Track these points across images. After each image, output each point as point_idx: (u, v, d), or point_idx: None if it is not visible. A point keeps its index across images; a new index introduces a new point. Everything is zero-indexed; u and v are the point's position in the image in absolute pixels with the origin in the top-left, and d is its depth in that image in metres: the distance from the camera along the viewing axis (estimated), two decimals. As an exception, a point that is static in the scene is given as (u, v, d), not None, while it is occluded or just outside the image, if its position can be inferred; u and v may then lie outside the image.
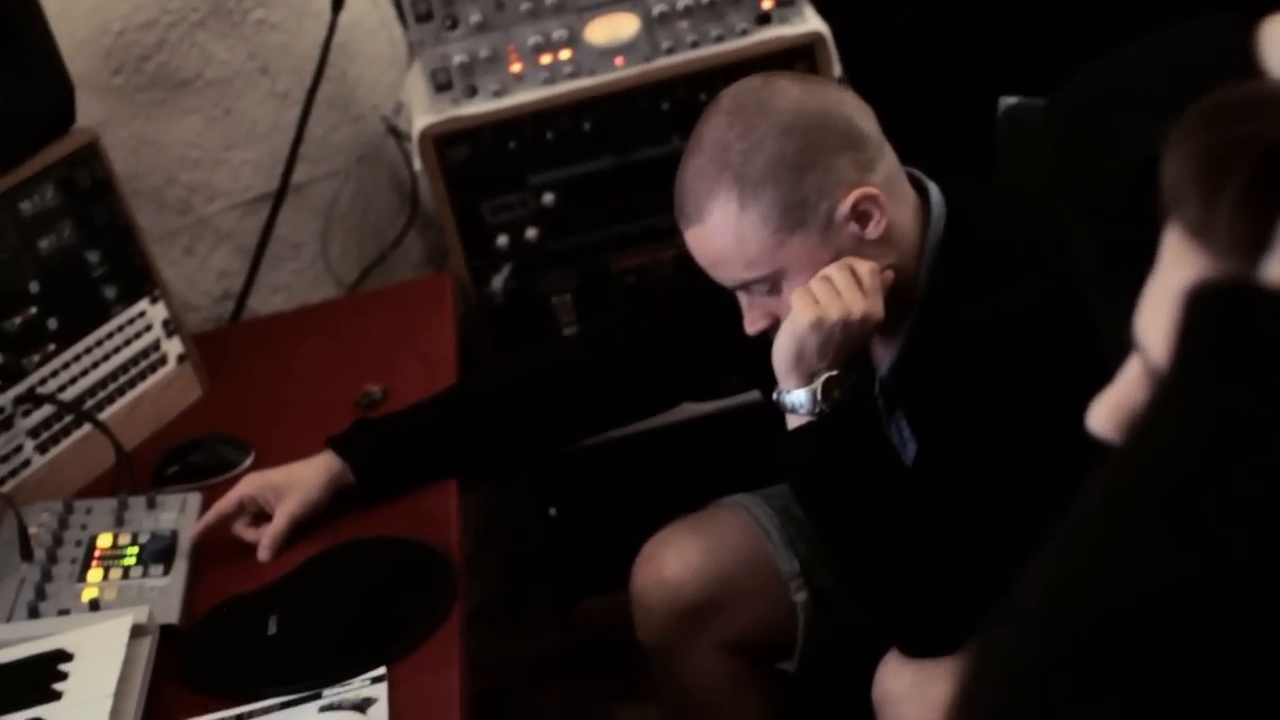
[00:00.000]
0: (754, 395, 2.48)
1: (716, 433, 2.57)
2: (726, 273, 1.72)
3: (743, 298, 1.74)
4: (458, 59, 2.37)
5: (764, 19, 2.40)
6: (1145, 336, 0.83)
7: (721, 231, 1.67)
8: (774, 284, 1.70)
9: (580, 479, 2.60)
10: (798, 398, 1.72)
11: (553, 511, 2.62)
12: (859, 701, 1.84)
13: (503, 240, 2.46)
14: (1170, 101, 0.82)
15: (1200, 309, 0.68)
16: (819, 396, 1.71)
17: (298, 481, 1.91)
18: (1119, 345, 0.89)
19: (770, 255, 1.67)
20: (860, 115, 1.71)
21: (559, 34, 2.37)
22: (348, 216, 2.81)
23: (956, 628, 1.71)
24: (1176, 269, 0.79)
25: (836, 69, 2.43)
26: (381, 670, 1.63)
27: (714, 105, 1.72)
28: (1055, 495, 1.66)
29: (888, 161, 1.72)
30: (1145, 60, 1.38)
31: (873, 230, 1.68)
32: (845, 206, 1.66)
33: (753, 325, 1.75)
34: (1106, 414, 0.86)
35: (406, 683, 1.61)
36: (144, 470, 2.09)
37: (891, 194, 1.70)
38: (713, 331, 1.91)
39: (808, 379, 1.71)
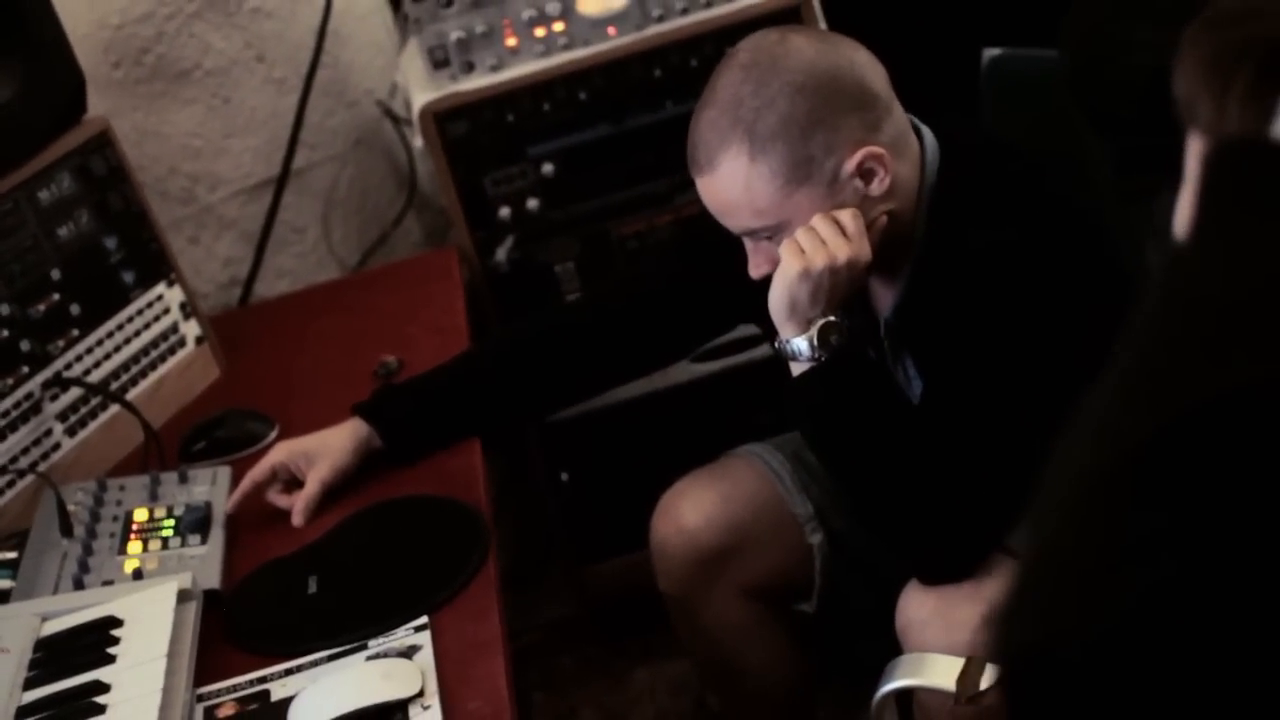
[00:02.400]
0: (755, 354, 2.56)
1: (721, 392, 2.63)
2: (734, 220, 1.78)
3: (748, 243, 1.80)
4: (454, 35, 2.42)
5: (750, -16, 2.46)
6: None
7: (731, 182, 1.73)
8: (778, 232, 1.76)
9: (590, 443, 2.65)
10: (797, 345, 1.78)
11: (565, 476, 2.68)
12: (876, 637, 1.90)
13: (505, 212, 2.51)
14: (1176, 11, 0.89)
15: (1224, 160, 0.74)
16: (816, 343, 1.77)
17: (328, 448, 1.97)
18: (1135, 248, 0.96)
19: (777, 207, 1.73)
20: (871, 74, 1.76)
21: (552, 7, 2.43)
22: (347, 200, 2.86)
23: (972, 552, 1.77)
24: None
25: (822, 27, 2.48)
26: (424, 620, 1.69)
27: (730, 58, 1.77)
28: (1060, 415, 1.72)
29: (895, 119, 1.77)
30: None
31: (876, 187, 1.74)
32: (851, 165, 1.72)
33: (756, 270, 1.81)
34: None
35: (449, 630, 1.67)
36: (171, 448, 2.14)
37: (897, 150, 1.76)
38: (720, 278, 1.97)
39: (804, 326, 1.77)
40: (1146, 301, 0.75)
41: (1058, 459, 0.73)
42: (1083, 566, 0.68)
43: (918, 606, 1.79)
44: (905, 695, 1.79)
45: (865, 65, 1.76)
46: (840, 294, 1.77)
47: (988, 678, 1.55)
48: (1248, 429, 0.66)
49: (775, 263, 1.78)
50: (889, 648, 1.84)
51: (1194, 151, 0.86)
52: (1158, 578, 0.65)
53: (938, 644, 1.73)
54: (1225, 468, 0.66)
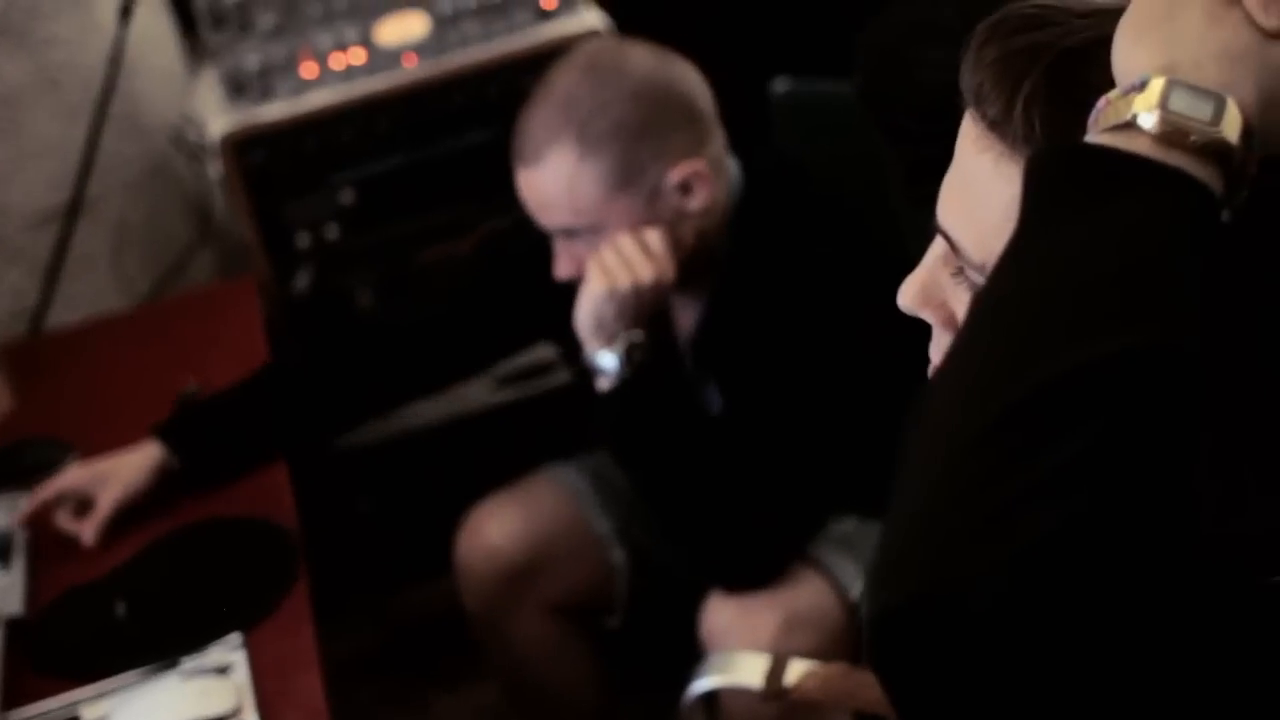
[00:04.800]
0: (554, 379, 2.61)
1: (521, 418, 2.66)
2: (550, 217, 1.82)
3: (558, 243, 1.85)
4: (252, 63, 2.43)
5: (545, 15, 2.52)
6: (947, 219, 0.97)
7: (555, 179, 1.78)
8: (592, 235, 1.81)
9: (391, 470, 2.67)
10: (603, 360, 1.84)
11: (364, 504, 2.68)
12: (679, 649, 1.96)
13: (304, 240, 2.52)
14: (960, 32, 0.97)
15: (1046, 162, 0.82)
16: (621, 358, 1.83)
17: (121, 469, 1.93)
18: (921, 247, 1.03)
19: (597, 209, 1.78)
20: (700, 94, 1.84)
21: (350, 35, 2.45)
22: (140, 229, 2.83)
23: (771, 561, 1.85)
24: (975, 157, 0.94)
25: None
26: (237, 637, 1.69)
27: (569, 58, 1.83)
28: (852, 429, 1.80)
29: (717, 141, 1.85)
30: None
31: (694, 203, 1.81)
32: (674, 178, 1.79)
33: (564, 270, 1.86)
34: (914, 290, 1.00)
35: (264, 647, 1.67)
36: (-36, 479, 2.09)
37: (715, 170, 1.83)
38: (515, 295, 2.02)
39: (609, 342, 1.83)
40: (1001, 277, 0.79)
41: (922, 428, 0.76)
42: (971, 515, 0.70)
43: (719, 614, 1.86)
44: (712, 701, 1.84)
45: (696, 84, 1.84)
46: (645, 312, 1.83)
47: (793, 674, 1.61)
48: (1140, 378, 0.70)
49: (581, 266, 1.83)
50: (693, 658, 1.90)
51: (970, 136, 0.93)
52: (1063, 514, 0.68)
53: (741, 648, 1.80)
54: (1108, 420, 0.70)
